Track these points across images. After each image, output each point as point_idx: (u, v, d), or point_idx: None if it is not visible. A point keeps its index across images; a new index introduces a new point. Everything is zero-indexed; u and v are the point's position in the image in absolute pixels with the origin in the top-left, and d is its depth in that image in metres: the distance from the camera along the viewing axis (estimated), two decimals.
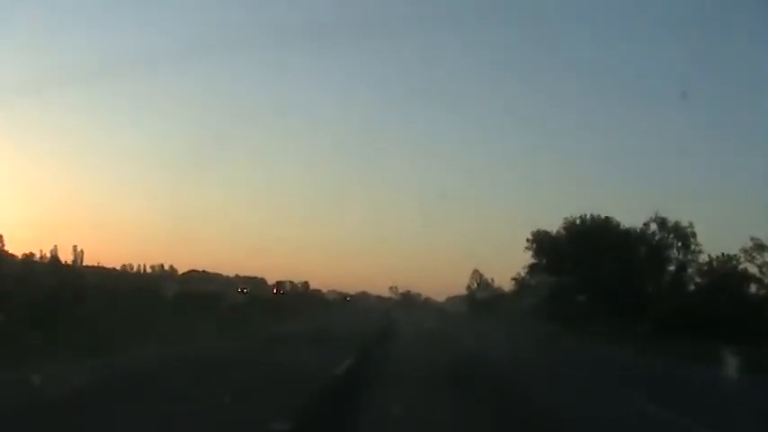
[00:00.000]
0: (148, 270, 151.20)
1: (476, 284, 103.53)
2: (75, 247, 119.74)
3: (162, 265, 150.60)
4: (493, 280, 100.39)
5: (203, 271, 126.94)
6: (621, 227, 56.79)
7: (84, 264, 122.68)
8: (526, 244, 60.15)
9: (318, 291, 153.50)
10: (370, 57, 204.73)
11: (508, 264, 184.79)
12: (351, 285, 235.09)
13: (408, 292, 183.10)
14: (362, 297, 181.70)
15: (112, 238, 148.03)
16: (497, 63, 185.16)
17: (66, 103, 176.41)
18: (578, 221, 57.84)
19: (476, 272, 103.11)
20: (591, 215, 57.88)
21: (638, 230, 55.53)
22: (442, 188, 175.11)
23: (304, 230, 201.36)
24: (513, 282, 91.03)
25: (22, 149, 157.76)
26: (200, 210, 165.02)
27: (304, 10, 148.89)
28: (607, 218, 57.22)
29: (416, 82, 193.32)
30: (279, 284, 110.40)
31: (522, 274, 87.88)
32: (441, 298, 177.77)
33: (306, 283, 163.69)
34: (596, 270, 54.52)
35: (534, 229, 60.00)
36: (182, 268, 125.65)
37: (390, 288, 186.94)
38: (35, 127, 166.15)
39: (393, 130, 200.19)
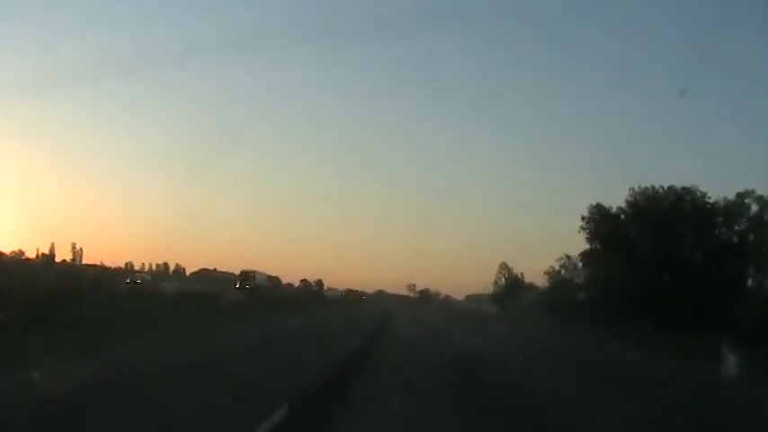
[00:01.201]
0: (153, 269, 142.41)
1: (503, 280, 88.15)
2: (73, 245, 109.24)
3: (166, 264, 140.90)
4: (522, 275, 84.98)
5: (214, 269, 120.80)
6: (707, 199, 41.07)
7: (83, 262, 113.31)
8: (581, 223, 44.58)
9: (334, 289, 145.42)
10: (374, 53, 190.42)
11: (539, 257, 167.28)
12: (369, 284, 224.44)
13: (427, 290, 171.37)
14: (379, 296, 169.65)
15: (117, 237, 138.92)
16: (502, 60, 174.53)
17: (68, 102, 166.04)
18: (649, 192, 42.05)
19: (503, 266, 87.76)
20: (661, 186, 42.33)
21: (730, 202, 39.98)
22: (463, 183, 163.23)
23: (320, 230, 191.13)
24: (546, 276, 77.67)
25: (23, 149, 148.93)
26: (214, 209, 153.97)
27: (305, 10, 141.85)
28: (685, 188, 41.58)
29: (421, 78, 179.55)
30: (244, 275, 79.92)
31: (556, 267, 75.90)
32: (463, 296, 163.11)
33: (319, 281, 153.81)
34: (671, 257, 39.60)
35: (593, 203, 44.23)
36: (192, 267, 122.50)
37: (408, 286, 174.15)
38: (36, 126, 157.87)
39: (404, 128, 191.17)
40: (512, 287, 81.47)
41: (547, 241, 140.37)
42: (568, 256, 75.13)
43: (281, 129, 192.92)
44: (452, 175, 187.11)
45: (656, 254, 39.60)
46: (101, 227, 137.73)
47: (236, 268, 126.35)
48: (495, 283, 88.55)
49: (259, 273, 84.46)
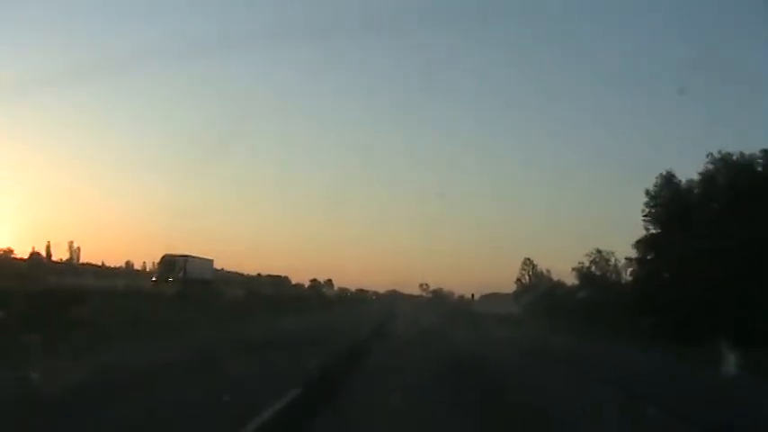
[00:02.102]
0: (157, 268, 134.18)
1: (527, 277, 77.41)
2: (70, 243, 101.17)
3: None
4: (549, 271, 74.35)
5: (221, 269, 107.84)
6: None
7: (81, 261, 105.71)
8: (645, 200, 34.30)
9: (346, 289, 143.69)
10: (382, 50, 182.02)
11: (563, 253, 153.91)
12: (381, 284, 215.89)
13: (440, 289, 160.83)
14: (390, 296, 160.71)
15: (120, 237, 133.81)
16: (510, 57, 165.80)
17: (65, 100, 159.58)
18: (730, 160, 31.64)
19: (527, 261, 76.95)
20: (741, 153, 31.97)
21: None
22: (477, 178, 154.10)
23: (332, 230, 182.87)
24: (574, 273, 67.73)
25: (20, 147, 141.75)
26: (220, 208, 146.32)
27: (306, 8, 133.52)
28: None
29: (427, 72, 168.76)
30: (168, 262, 53.29)
31: (586, 263, 64.04)
32: (479, 295, 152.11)
33: (329, 280, 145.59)
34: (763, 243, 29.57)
35: (663, 172, 33.81)
36: None
37: (420, 286, 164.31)
38: (34, 125, 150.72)
39: (414, 124, 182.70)
40: (538, 285, 71.05)
41: (572, 236, 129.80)
42: (599, 251, 64.55)
43: (287, 126, 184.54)
44: (466, 171, 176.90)
45: (742, 239, 29.58)
46: (102, 226, 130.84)
47: (244, 268, 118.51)
48: (518, 280, 78.09)
49: (195, 259, 55.63)
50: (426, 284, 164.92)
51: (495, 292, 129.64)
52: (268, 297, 63.65)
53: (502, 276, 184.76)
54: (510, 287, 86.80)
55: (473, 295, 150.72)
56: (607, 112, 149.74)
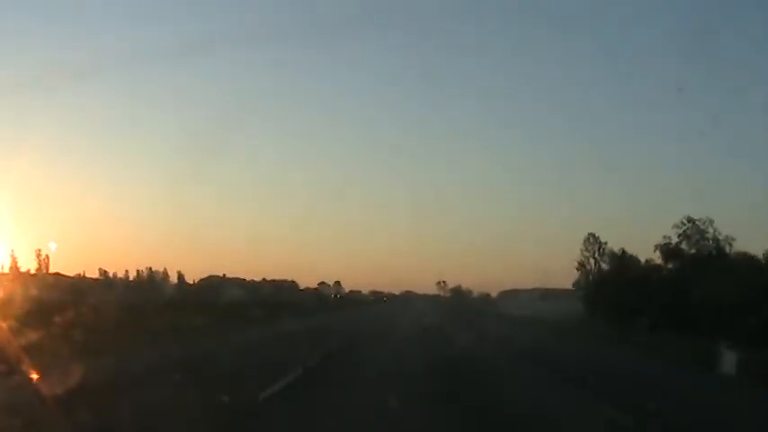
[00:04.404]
0: (145, 276, 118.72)
1: (592, 260, 54.48)
2: (38, 251, 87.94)
3: (150, 269, 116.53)
4: (623, 251, 51.25)
5: (223, 276, 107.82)
6: None
7: (50, 271, 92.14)
8: None
9: (358, 291, 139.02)
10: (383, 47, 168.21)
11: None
12: (397, 284, 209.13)
13: (459, 287, 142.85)
14: (404, 297, 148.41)
15: (96, 245, 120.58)
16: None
17: (59, 101, 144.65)
18: None
19: (591, 238, 53.68)
20: None
21: None
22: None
23: (341, 231, 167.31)
24: (659, 253, 45.64)
25: (24, 154, 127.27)
26: (218, 214, 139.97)
27: (301, 7, 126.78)
28: None
29: (434, 60, 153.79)
30: None
31: (675, 238, 45.21)
32: (500, 291, 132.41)
33: (337, 282, 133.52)
34: None
35: None
36: (199, 274, 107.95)
37: (438, 284, 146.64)
38: (32, 124, 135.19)
39: (426, 116, 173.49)
40: (616, 271, 48.23)
41: (639, 214, 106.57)
42: (691, 220, 45.31)
43: (292, 124, 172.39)
44: (481, 160, 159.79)
45: None
46: (75, 233, 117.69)
47: (249, 275, 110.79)
48: (581, 266, 55.22)
49: None
50: (444, 282, 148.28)
51: (516, 288, 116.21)
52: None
53: (525, 272, 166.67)
54: (533, 283, 65.68)
55: (486, 294, 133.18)
56: None
